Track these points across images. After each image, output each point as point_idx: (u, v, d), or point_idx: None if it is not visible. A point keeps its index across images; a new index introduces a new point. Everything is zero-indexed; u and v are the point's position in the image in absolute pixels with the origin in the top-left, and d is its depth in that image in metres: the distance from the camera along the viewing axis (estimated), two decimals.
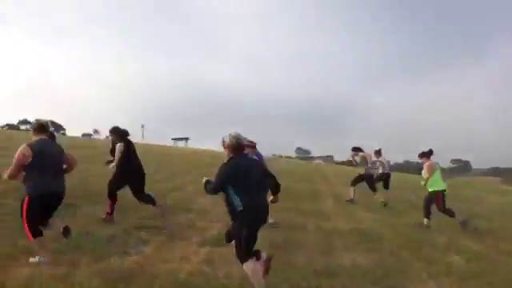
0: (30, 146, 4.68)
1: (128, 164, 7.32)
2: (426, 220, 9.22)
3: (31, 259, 4.81)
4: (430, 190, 9.13)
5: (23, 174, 4.74)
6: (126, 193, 10.05)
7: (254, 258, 4.38)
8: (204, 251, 5.95)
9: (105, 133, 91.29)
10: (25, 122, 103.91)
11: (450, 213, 9.08)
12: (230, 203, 4.35)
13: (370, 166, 12.14)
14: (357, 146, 12.35)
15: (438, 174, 9.10)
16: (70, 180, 10.68)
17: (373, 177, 12.16)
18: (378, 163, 12.58)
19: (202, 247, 6.13)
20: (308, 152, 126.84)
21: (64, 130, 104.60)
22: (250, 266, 4.35)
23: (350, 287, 5.02)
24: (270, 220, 7.12)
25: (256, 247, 4.40)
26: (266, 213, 4.51)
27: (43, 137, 4.90)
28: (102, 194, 9.62)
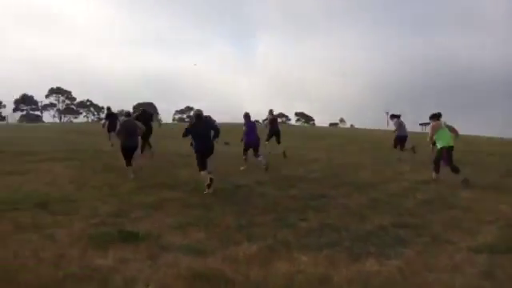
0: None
1: None
2: (434, 174, 10.38)
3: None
4: (438, 146, 10.26)
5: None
6: (376, 184, 9.56)
7: (206, 171, 8.51)
8: (481, 260, 4.83)
9: (350, 122, 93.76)
10: (281, 115, 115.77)
11: (455, 169, 9.93)
12: (192, 143, 8.99)
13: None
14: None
15: (444, 133, 10.20)
16: (323, 170, 10.82)
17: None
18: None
19: (477, 254, 5.03)
20: None
21: (313, 120, 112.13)
22: (201, 174, 8.52)
23: None
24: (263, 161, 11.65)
25: None
26: (210, 149, 8.79)
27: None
28: (355, 185, 9.43)
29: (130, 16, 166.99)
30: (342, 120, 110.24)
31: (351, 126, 74.82)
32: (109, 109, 19.19)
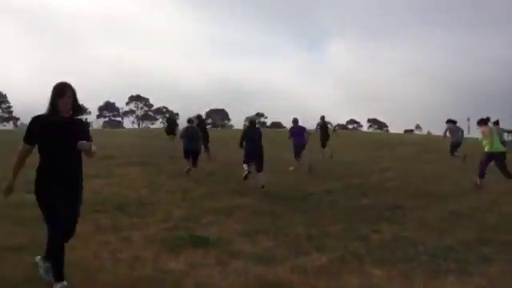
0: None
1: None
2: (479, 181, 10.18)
3: None
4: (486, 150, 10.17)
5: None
6: (456, 196, 8.98)
7: (247, 165, 9.98)
8: None
9: (427, 128, 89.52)
10: (352, 121, 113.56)
11: (508, 175, 10.05)
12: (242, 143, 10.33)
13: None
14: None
15: (495, 137, 10.28)
16: (397, 180, 10.40)
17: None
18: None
19: None
20: None
21: (386, 126, 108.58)
22: (244, 166, 9.98)
23: None
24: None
25: None
26: (256, 150, 10.01)
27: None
28: (433, 197, 8.92)
29: (206, 23, 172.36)
30: (417, 126, 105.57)
31: (428, 132, 71.04)
32: (171, 114, 23.03)
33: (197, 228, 6.04)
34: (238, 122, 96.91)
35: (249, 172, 9.94)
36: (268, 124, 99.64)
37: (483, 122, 10.60)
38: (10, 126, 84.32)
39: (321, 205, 7.98)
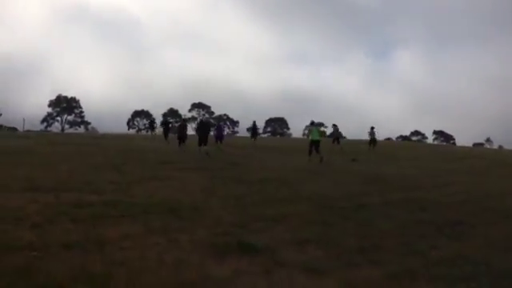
0: None
1: None
2: (308, 158, 17.56)
3: None
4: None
5: None
6: None
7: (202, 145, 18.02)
8: None
9: (498, 142, 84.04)
10: (417, 133, 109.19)
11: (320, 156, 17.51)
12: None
13: None
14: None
15: (314, 132, 18.65)
16: (460, 194, 9.82)
17: None
18: None
19: None
20: None
21: (453, 139, 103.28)
22: (201, 148, 18.15)
23: None
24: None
25: None
26: (205, 137, 18.62)
27: None
28: (500, 213, 8.27)
29: (271, 33, 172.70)
30: (488, 140, 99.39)
31: (500, 146, 66.44)
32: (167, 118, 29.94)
33: (246, 234, 5.96)
34: (297, 130, 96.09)
35: (207, 153, 17.34)
36: (328, 134, 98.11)
37: (311, 123, 21.05)
38: (81, 129, 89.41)
39: (376, 217, 7.63)
